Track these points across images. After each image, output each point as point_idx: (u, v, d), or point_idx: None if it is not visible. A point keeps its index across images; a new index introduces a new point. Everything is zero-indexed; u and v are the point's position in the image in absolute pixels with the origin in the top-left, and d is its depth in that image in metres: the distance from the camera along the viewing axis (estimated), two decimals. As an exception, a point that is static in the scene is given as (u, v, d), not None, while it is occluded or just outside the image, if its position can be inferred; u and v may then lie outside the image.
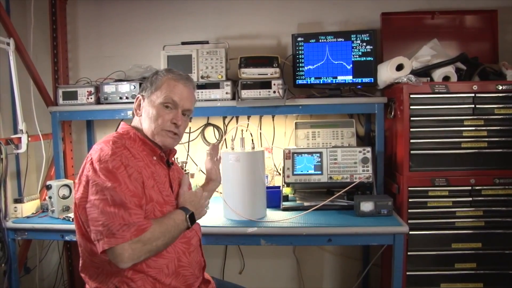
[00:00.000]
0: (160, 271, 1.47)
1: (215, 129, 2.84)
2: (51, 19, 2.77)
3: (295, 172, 2.35)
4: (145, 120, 1.58)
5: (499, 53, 2.55)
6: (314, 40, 2.51)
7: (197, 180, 2.76)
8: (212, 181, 1.97)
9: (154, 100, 1.57)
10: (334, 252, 2.90)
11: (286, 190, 2.45)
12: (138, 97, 1.63)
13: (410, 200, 2.17)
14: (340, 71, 2.50)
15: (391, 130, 2.41)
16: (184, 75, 1.64)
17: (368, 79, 2.48)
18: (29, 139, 2.48)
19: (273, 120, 2.76)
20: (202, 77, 2.50)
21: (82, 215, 1.42)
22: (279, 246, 2.78)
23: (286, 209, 2.29)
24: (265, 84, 2.42)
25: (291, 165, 2.35)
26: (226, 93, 2.47)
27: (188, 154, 2.82)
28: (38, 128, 2.60)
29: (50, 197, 2.30)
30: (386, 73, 2.31)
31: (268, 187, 2.35)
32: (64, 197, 2.32)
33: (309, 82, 2.53)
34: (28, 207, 2.39)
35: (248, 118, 2.71)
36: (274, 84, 2.41)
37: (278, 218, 2.14)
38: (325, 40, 2.50)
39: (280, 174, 2.67)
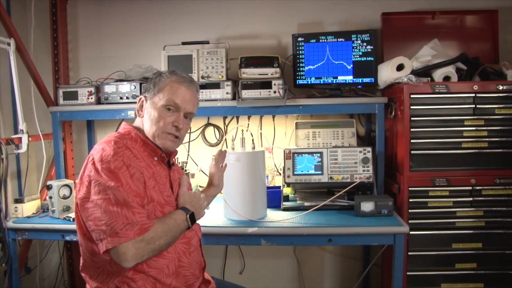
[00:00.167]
0: (161, 271, 1.47)
1: (215, 129, 2.84)
2: (51, 19, 2.77)
3: (295, 172, 2.35)
4: (146, 121, 1.58)
5: (499, 53, 2.55)
6: (314, 40, 2.51)
7: (198, 180, 2.77)
8: (213, 186, 1.95)
9: (156, 102, 1.56)
10: (334, 252, 2.90)
11: (287, 190, 2.45)
12: (140, 98, 1.62)
13: (410, 200, 2.17)
14: (341, 71, 2.50)
15: (391, 130, 2.41)
16: (188, 78, 1.63)
17: (369, 79, 2.48)
18: (30, 139, 2.48)
19: (273, 120, 2.76)
20: (202, 77, 2.50)
21: (84, 215, 1.42)
22: (280, 246, 2.78)
23: (286, 209, 2.29)
24: (266, 84, 2.42)
25: (291, 165, 2.35)
26: (227, 93, 2.47)
27: (188, 154, 2.82)
28: (39, 128, 2.60)
29: (50, 197, 2.30)
30: (387, 73, 2.31)
31: (268, 187, 2.35)
32: (64, 197, 2.32)
33: (309, 82, 2.53)
34: (29, 207, 2.39)
35: (249, 118, 2.71)
36: (275, 84, 2.41)
37: (278, 218, 2.14)
38: (325, 40, 2.50)
39: (280, 174, 2.67)
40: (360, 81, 2.49)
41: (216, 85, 2.48)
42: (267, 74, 2.43)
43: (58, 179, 2.53)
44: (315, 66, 2.52)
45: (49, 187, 2.31)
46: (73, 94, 2.58)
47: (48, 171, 2.79)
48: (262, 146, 2.71)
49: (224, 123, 2.82)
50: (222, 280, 2.01)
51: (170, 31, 2.82)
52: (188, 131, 2.75)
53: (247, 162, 2.12)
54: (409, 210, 2.17)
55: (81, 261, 1.53)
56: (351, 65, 2.48)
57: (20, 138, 2.44)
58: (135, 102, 1.65)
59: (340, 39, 2.49)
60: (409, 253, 2.17)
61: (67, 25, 2.87)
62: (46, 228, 2.21)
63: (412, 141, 2.17)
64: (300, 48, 2.52)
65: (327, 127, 2.65)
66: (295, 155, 2.37)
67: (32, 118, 2.58)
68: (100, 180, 1.38)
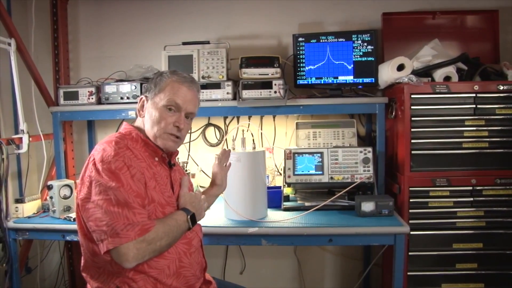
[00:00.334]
0: (161, 272, 1.47)
1: (216, 129, 2.84)
2: (52, 19, 2.78)
3: (296, 172, 2.35)
4: (147, 121, 1.58)
5: (500, 53, 2.55)
6: (315, 40, 2.51)
7: (198, 180, 2.77)
8: (216, 186, 1.94)
9: (157, 102, 1.56)
10: (335, 252, 2.90)
11: (287, 190, 2.45)
12: (141, 98, 1.62)
13: (411, 200, 2.17)
14: (341, 71, 2.50)
15: (392, 130, 2.41)
16: (189, 78, 1.62)
17: (369, 79, 2.48)
18: (30, 139, 2.48)
19: (274, 120, 2.76)
20: (203, 77, 2.50)
21: (85, 215, 1.41)
22: (280, 246, 2.78)
23: (287, 209, 2.29)
24: (266, 84, 2.42)
25: (292, 165, 2.35)
26: (227, 93, 2.47)
27: (189, 154, 2.82)
28: (39, 128, 2.60)
29: (51, 197, 2.31)
30: (387, 73, 2.31)
31: (269, 187, 2.35)
32: (65, 197, 2.32)
33: (310, 82, 2.53)
34: (29, 207, 2.39)
35: (249, 118, 2.71)
36: (275, 84, 2.41)
37: (279, 218, 2.14)
38: (326, 40, 2.50)
39: (281, 174, 2.68)
40: (361, 81, 2.49)
41: (216, 85, 2.48)
42: (268, 74, 2.43)
43: (59, 179, 2.54)
44: (316, 66, 2.52)
45: (49, 187, 2.31)
46: (73, 94, 2.58)
47: (49, 171, 2.79)
48: (262, 146, 2.71)
49: (225, 123, 2.82)
50: (223, 280, 2.01)
51: (171, 31, 2.82)
52: (189, 131, 2.76)
53: (248, 162, 2.12)
54: (410, 210, 2.17)
55: (82, 261, 1.53)
56: (352, 65, 2.48)
57: (21, 138, 2.44)
58: (136, 102, 1.65)
59: (341, 39, 2.48)
60: (410, 253, 2.17)
61: (68, 25, 2.88)
62: (46, 228, 2.21)
63: (412, 141, 2.16)
64: (301, 48, 2.52)
65: (328, 127, 2.65)
66: (296, 155, 2.37)
67: (32, 118, 2.58)
68: (101, 180, 1.38)
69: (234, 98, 2.48)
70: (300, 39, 2.52)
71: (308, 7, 2.76)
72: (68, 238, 2.21)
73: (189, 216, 1.53)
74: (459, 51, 2.47)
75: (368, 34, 2.46)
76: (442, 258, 2.18)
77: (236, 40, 2.76)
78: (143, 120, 1.60)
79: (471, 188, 2.15)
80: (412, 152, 2.17)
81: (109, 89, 2.54)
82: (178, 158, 2.31)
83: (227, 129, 2.81)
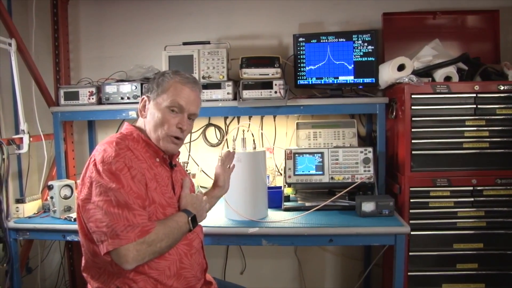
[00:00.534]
0: (162, 273, 1.47)
1: (216, 129, 2.84)
2: (52, 19, 2.78)
3: (296, 173, 2.35)
4: (149, 122, 1.56)
5: (500, 53, 2.55)
6: (315, 40, 2.51)
7: (199, 181, 2.77)
8: (218, 187, 1.92)
9: (160, 103, 1.54)
10: (335, 252, 2.90)
11: (288, 190, 2.45)
12: (143, 98, 1.60)
13: (411, 200, 2.17)
14: (342, 71, 2.50)
15: (392, 130, 2.41)
16: (191, 78, 1.61)
17: (370, 79, 2.48)
18: (31, 139, 2.48)
19: (274, 120, 2.76)
20: (203, 78, 2.50)
21: (85, 216, 1.41)
22: (281, 246, 2.78)
23: (287, 209, 2.29)
24: (267, 85, 2.42)
25: (292, 165, 2.35)
26: (228, 93, 2.47)
27: (189, 155, 2.82)
28: (40, 128, 2.61)
29: (51, 197, 2.31)
30: (388, 73, 2.31)
31: (269, 188, 2.35)
32: (65, 197, 2.32)
33: (310, 83, 2.53)
34: (30, 207, 2.39)
35: (250, 119, 2.71)
36: (276, 85, 2.41)
37: (279, 219, 2.14)
38: (326, 40, 2.50)
39: (281, 174, 2.68)
40: (361, 81, 2.49)
41: (217, 85, 2.48)
42: (268, 75, 2.43)
43: (59, 179, 2.54)
44: (316, 66, 2.52)
45: (50, 187, 2.31)
46: (74, 94, 2.58)
47: (49, 171, 2.79)
48: (263, 146, 2.71)
49: (225, 123, 2.82)
50: (223, 281, 2.01)
51: (171, 31, 2.82)
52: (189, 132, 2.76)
53: (248, 162, 2.12)
54: (410, 211, 2.17)
55: (82, 262, 1.53)
56: (352, 65, 2.48)
57: (21, 138, 2.44)
58: (136, 103, 1.65)
59: (341, 39, 2.48)
60: (410, 253, 2.17)
61: (68, 25, 2.88)
62: (47, 228, 2.22)
63: (413, 141, 2.16)
64: (301, 48, 2.52)
65: (328, 127, 2.65)
66: (296, 155, 2.37)
67: (33, 118, 2.58)
68: (101, 181, 1.37)
69: (235, 98, 2.48)
70: (301, 39, 2.52)
71: (309, 7, 2.76)
72: (68, 238, 2.21)
73: (190, 218, 1.53)
74: (460, 51, 2.47)
75: (369, 34, 2.46)
76: (442, 258, 2.18)
77: (237, 40, 2.76)
78: (144, 120, 1.59)
79: (471, 188, 2.15)
80: (413, 152, 2.17)
81: (109, 89, 2.54)
82: (178, 159, 2.32)
83: (227, 129, 2.81)
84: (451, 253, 2.17)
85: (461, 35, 2.59)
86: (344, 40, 2.48)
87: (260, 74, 2.44)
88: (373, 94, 2.55)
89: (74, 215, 2.24)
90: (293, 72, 2.56)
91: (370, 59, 2.47)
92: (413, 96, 2.14)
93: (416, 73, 2.25)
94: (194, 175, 2.71)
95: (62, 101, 2.59)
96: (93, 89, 2.57)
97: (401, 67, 2.27)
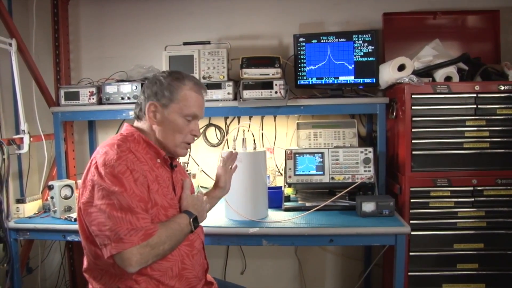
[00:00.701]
0: (164, 274, 1.47)
1: (216, 129, 2.84)
2: (53, 19, 2.78)
3: (296, 173, 2.35)
4: (162, 129, 1.55)
5: (501, 54, 2.55)
6: (315, 41, 2.51)
7: (199, 181, 2.77)
8: (219, 188, 1.91)
9: (175, 111, 1.54)
10: (335, 252, 2.90)
11: (288, 191, 2.45)
12: (153, 104, 1.54)
13: (412, 200, 2.17)
14: (342, 71, 2.50)
15: (393, 131, 2.41)
16: (201, 83, 1.63)
17: (370, 79, 2.48)
18: (31, 139, 2.48)
19: (274, 120, 2.76)
20: (203, 78, 2.51)
21: (87, 219, 1.40)
22: (281, 246, 2.78)
23: (287, 209, 2.29)
24: (267, 85, 2.42)
25: (292, 166, 2.35)
26: (228, 93, 2.48)
27: (190, 155, 2.82)
28: (40, 128, 2.61)
29: (52, 197, 2.31)
30: (388, 73, 2.31)
31: (269, 188, 2.35)
32: (66, 197, 2.32)
33: (310, 83, 2.53)
34: (30, 207, 2.39)
35: (250, 119, 2.71)
36: (276, 85, 2.41)
37: (279, 219, 2.14)
38: (326, 41, 2.50)
39: (281, 174, 2.68)
40: (362, 82, 2.49)
41: (217, 86, 2.48)
42: (269, 75, 2.43)
43: (60, 179, 2.54)
44: (316, 66, 2.52)
45: (50, 187, 2.31)
46: (74, 95, 2.58)
47: (50, 171, 2.79)
48: (263, 147, 2.71)
49: (226, 123, 2.82)
50: (224, 281, 2.01)
51: (171, 31, 2.82)
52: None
53: (249, 162, 2.12)
54: (411, 211, 2.17)
55: (84, 263, 1.53)
56: (353, 66, 2.48)
57: (22, 138, 2.44)
58: (137, 103, 1.62)
59: (342, 40, 2.48)
60: (411, 254, 2.17)
61: (69, 25, 2.88)
62: (47, 228, 2.22)
63: (413, 141, 2.16)
64: (301, 48, 2.52)
65: (329, 128, 2.65)
66: (297, 155, 2.37)
67: (33, 118, 2.58)
68: (104, 185, 1.36)
69: (235, 98, 2.48)
70: (301, 39, 2.52)
71: (309, 7, 2.75)
72: (69, 238, 2.21)
73: (191, 219, 1.53)
74: (460, 51, 2.47)
75: (369, 34, 2.46)
76: (443, 258, 2.18)
77: (237, 40, 2.76)
78: (150, 125, 1.57)
79: (472, 188, 2.15)
80: (413, 152, 2.17)
81: (110, 89, 2.55)
82: (178, 159, 2.32)
83: (228, 129, 2.81)
84: (451, 253, 2.17)
85: (461, 35, 2.59)
86: (345, 40, 2.48)
87: (260, 74, 2.44)
88: (374, 94, 2.55)
89: (74, 215, 2.24)
90: (294, 72, 2.56)
91: (370, 59, 2.47)
92: (413, 96, 2.14)
93: (417, 73, 2.25)
94: (194, 175, 2.71)
95: (62, 101, 2.60)
96: (94, 89, 2.57)
97: (401, 67, 2.27)
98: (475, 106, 2.13)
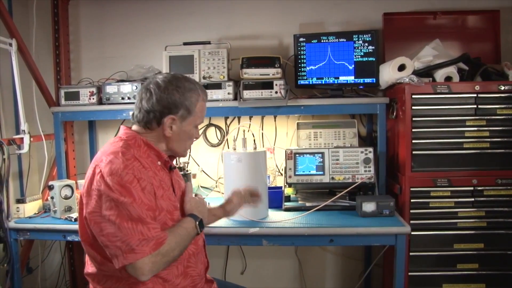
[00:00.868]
0: (170, 272, 1.47)
1: (217, 129, 2.84)
2: (53, 19, 2.78)
3: (297, 173, 2.35)
4: (176, 140, 1.55)
5: (501, 54, 2.54)
6: (316, 41, 2.51)
7: (199, 181, 2.78)
8: (225, 211, 1.86)
9: (190, 123, 1.56)
10: (336, 252, 2.90)
11: (288, 191, 2.45)
12: (172, 117, 1.51)
13: (412, 200, 2.17)
14: (342, 71, 2.50)
15: (393, 131, 2.41)
16: (205, 90, 1.65)
17: (370, 79, 2.48)
18: (31, 139, 2.49)
19: (275, 120, 2.76)
20: (204, 78, 2.51)
21: (94, 229, 1.38)
22: (281, 246, 2.78)
23: (288, 209, 2.30)
24: (267, 85, 2.42)
25: (293, 166, 2.35)
26: (228, 93, 2.47)
27: (190, 155, 2.82)
28: (40, 128, 2.61)
29: (52, 198, 2.31)
30: (388, 73, 2.31)
31: (270, 188, 2.36)
32: (66, 197, 2.32)
33: (311, 83, 2.53)
34: (30, 207, 2.39)
35: (250, 119, 2.71)
36: (276, 85, 2.41)
37: (280, 219, 2.14)
38: (327, 41, 2.50)
39: (282, 174, 2.67)
40: (362, 82, 2.49)
41: (217, 86, 2.48)
42: (269, 75, 2.43)
43: (60, 179, 2.54)
44: (317, 66, 2.52)
45: (50, 188, 2.31)
46: (74, 95, 2.58)
47: (50, 172, 2.79)
48: (263, 147, 2.71)
49: (226, 123, 2.82)
50: (224, 281, 2.01)
51: (172, 31, 2.82)
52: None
53: (249, 162, 2.12)
54: (411, 211, 2.17)
55: (87, 267, 1.52)
56: (353, 66, 2.48)
57: (22, 138, 2.44)
58: (146, 109, 1.56)
59: (342, 40, 2.48)
60: (411, 254, 2.17)
61: (69, 25, 2.88)
62: (47, 228, 2.22)
63: (413, 141, 2.16)
64: (302, 48, 2.52)
65: (329, 128, 2.65)
66: (297, 155, 2.37)
67: (33, 118, 2.58)
68: (112, 195, 1.34)
69: (235, 99, 2.48)
70: (301, 39, 2.52)
71: (309, 7, 2.75)
72: (69, 238, 2.21)
73: (197, 222, 1.52)
74: (460, 51, 2.47)
75: (369, 34, 2.46)
76: (443, 258, 2.18)
77: (237, 40, 2.76)
78: (161, 134, 1.54)
79: (472, 188, 2.15)
80: (413, 152, 2.17)
81: (110, 89, 2.55)
82: (179, 159, 2.32)
83: (228, 129, 2.81)
84: (451, 253, 2.17)
85: (461, 35, 2.59)
86: (345, 40, 2.48)
87: (260, 74, 2.44)
88: (374, 94, 2.55)
89: (74, 215, 2.24)
90: (294, 72, 2.56)
91: (370, 59, 2.47)
92: (413, 96, 2.14)
93: (417, 73, 2.25)
94: (194, 175, 2.70)
95: (62, 101, 2.60)
96: (94, 89, 2.57)
97: (401, 67, 2.27)
98: (475, 106, 2.13)
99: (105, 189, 1.35)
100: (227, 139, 2.78)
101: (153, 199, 1.43)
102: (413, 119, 2.15)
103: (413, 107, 2.15)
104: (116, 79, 2.66)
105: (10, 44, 2.36)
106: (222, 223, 2.11)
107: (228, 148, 2.57)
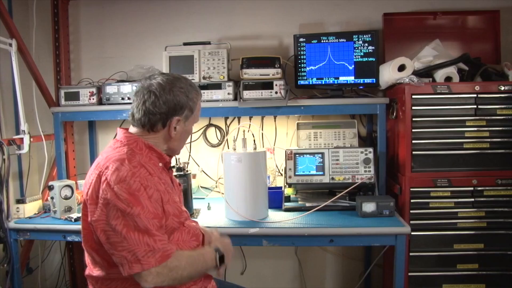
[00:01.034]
0: None
1: (217, 129, 2.84)
2: (53, 20, 2.78)
3: (297, 173, 2.35)
4: (178, 140, 1.57)
5: (501, 54, 2.54)
6: (316, 41, 2.51)
7: (199, 181, 2.78)
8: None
9: (192, 122, 1.58)
10: (336, 252, 2.90)
11: (288, 191, 2.45)
12: (177, 119, 1.51)
13: (412, 200, 2.17)
14: (342, 71, 2.49)
15: (393, 131, 2.41)
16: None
17: (370, 79, 2.48)
18: (31, 139, 2.49)
19: (275, 120, 2.76)
20: (204, 78, 2.51)
21: (101, 237, 1.37)
22: (281, 246, 2.78)
23: (288, 209, 2.29)
24: (267, 85, 2.42)
25: (293, 166, 2.35)
26: (228, 93, 2.47)
27: (190, 155, 2.82)
28: (40, 128, 2.61)
29: (52, 198, 2.30)
30: (388, 73, 2.31)
31: (270, 188, 2.35)
32: (66, 198, 2.32)
33: (311, 83, 2.53)
34: (30, 208, 2.39)
35: (250, 119, 2.71)
36: (276, 85, 2.41)
37: (280, 219, 2.14)
38: (327, 41, 2.50)
39: (282, 174, 2.67)
40: (362, 82, 2.49)
41: (217, 86, 2.48)
42: (269, 75, 2.43)
43: (60, 180, 2.53)
44: (317, 66, 2.52)
45: (50, 188, 2.31)
46: (74, 95, 2.58)
47: (50, 172, 2.79)
48: (263, 147, 2.71)
49: (226, 123, 2.82)
50: (224, 281, 2.00)
51: (172, 31, 2.82)
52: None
53: (249, 162, 2.12)
54: (411, 211, 2.17)
55: (91, 270, 1.51)
56: (353, 66, 2.48)
57: (22, 138, 2.44)
58: (151, 111, 1.54)
59: (342, 40, 2.48)
60: (411, 254, 2.17)
61: (69, 25, 2.88)
62: (47, 228, 2.22)
63: (413, 141, 2.16)
64: (302, 48, 2.52)
65: (329, 128, 2.65)
66: (297, 155, 2.37)
67: (33, 118, 2.58)
68: (119, 205, 1.33)
69: (235, 99, 2.48)
70: (301, 39, 2.52)
71: (309, 8, 2.75)
72: (69, 238, 2.21)
73: (218, 256, 1.52)
74: (460, 51, 2.47)
75: (369, 35, 2.46)
76: (443, 258, 2.18)
77: (237, 40, 2.76)
78: (166, 136, 1.54)
79: (472, 188, 2.15)
80: (413, 152, 2.17)
81: (110, 89, 2.55)
82: (179, 159, 2.32)
83: (228, 129, 2.81)
84: (451, 253, 2.17)
85: (461, 35, 2.59)
86: (345, 40, 2.48)
87: (260, 75, 2.44)
88: (374, 95, 2.55)
89: (74, 215, 2.24)
90: (294, 72, 2.56)
91: (370, 59, 2.46)
92: (413, 96, 2.14)
93: (417, 73, 2.25)
94: (194, 176, 2.71)
95: (62, 102, 2.59)
96: (94, 90, 2.57)
97: (401, 68, 2.27)
98: (475, 106, 2.13)
99: (112, 198, 1.34)
100: (227, 140, 2.78)
101: (159, 206, 1.42)
102: (413, 119, 2.15)
103: (413, 108, 2.15)
104: (116, 79, 2.66)
105: (10, 44, 2.35)
106: (222, 223, 2.12)
107: (228, 148, 2.57)
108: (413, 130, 2.16)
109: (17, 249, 2.32)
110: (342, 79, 2.50)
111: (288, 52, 2.73)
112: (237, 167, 2.12)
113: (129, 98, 2.51)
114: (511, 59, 2.43)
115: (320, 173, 2.33)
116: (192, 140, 2.82)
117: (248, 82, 2.44)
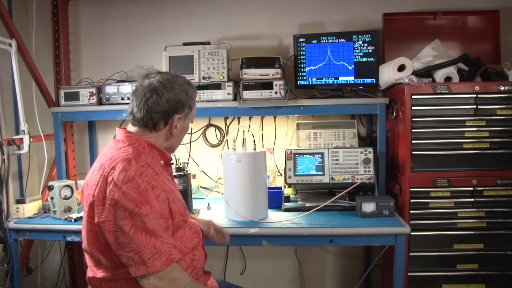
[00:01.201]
0: (180, 266, 1.47)
1: (216, 129, 2.84)
2: (53, 20, 2.78)
3: (296, 173, 2.35)
4: (177, 137, 1.58)
5: (501, 54, 2.54)
6: (315, 41, 2.51)
7: (199, 181, 2.77)
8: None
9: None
10: (335, 252, 2.90)
11: (288, 191, 2.45)
12: (179, 117, 1.52)
13: (412, 201, 2.17)
14: (342, 71, 2.49)
15: (393, 131, 2.41)
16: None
17: (370, 79, 2.48)
18: (31, 140, 2.49)
19: (274, 120, 2.76)
20: (203, 78, 2.51)
21: (108, 237, 1.36)
22: (281, 246, 2.78)
23: (287, 209, 2.29)
24: (267, 85, 2.42)
25: (292, 166, 2.35)
26: (228, 94, 2.47)
27: (189, 155, 2.82)
28: (40, 129, 2.61)
29: (52, 198, 2.31)
30: (388, 73, 2.31)
31: (269, 188, 2.35)
32: (66, 198, 2.32)
33: (310, 83, 2.53)
34: (30, 208, 2.39)
35: (250, 119, 2.71)
36: (276, 85, 2.41)
37: (279, 219, 2.14)
38: (326, 41, 2.50)
39: (281, 174, 2.68)
40: (361, 82, 2.49)
41: (217, 86, 2.48)
42: (268, 75, 2.43)
43: (60, 180, 2.53)
44: (316, 66, 2.52)
45: (50, 188, 2.31)
46: (74, 95, 2.58)
47: (50, 172, 2.79)
48: (263, 147, 2.71)
49: (225, 123, 2.82)
50: (224, 281, 2.00)
51: (171, 31, 2.82)
52: (190, 132, 2.77)
53: (248, 162, 2.12)
54: (411, 211, 2.17)
55: (94, 272, 1.49)
56: (352, 66, 2.48)
57: (22, 138, 2.44)
58: (153, 111, 1.53)
59: (341, 40, 2.48)
60: (411, 254, 2.17)
61: (69, 26, 2.88)
62: (47, 228, 2.22)
63: (413, 141, 2.16)
64: (301, 48, 2.52)
65: (329, 128, 2.65)
66: (296, 155, 2.37)
67: (33, 119, 2.58)
68: (127, 205, 1.33)
69: (235, 99, 2.48)
70: (301, 39, 2.52)
71: (309, 8, 2.75)
72: (69, 238, 2.21)
73: None
74: (460, 51, 2.47)
75: (369, 35, 2.46)
76: (443, 258, 2.18)
77: (237, 40, 2.76)
78: (168, 134, 1.54)
79: (472, 188, 2.15)
80: (413, 152, 2.17)
81: (110, 89, 2.55)
82: (179, 159, 2.33)
83: (227, 129, 2.81)
84: (451, 253, 2.17)
85: (461, 35, 2.59)
86: (345, 40, 2.48)
87: (260, 75, 2.44)
88: (374, 95, 2.55)
89: (74, 215, 2.24)
90: (294, 72, 2.56)
91: (370, 59, 2.46)
92: (413, 96, 2.14)
93: (417, 73, 2.25)
94: (194, 176, 2.71)
95: (62, 102, 2.60)
96: (94, 90, 2.57)
97: (401, 68, 2.27)
98: (475, 106, 2.13)
99: (120, 198, 1.33)
100: (226, 140, 2.78)
101: (166, 207, 1.42)
102: (413, 119, 2.15)
103: (413, 108, 2.15)
104: (116, 79, 2.67)
105: (10, 45, 2.35)
106: (222, 224, 2.11)
107: (228, 148, 2.56)
108: (412, 130, 2.16)
109: (17, 249, 2.32)
110: (342, 79, 2.50)
111: (288, 52, 2.73)
112: (237, 167, 2.12)
113: (128, 98, 2.50)
114: (511, 59, 2.43)
115: (320, 173, 2.33)
116: (192, 140, 2.82)
117: (248, 82, 2.44)
